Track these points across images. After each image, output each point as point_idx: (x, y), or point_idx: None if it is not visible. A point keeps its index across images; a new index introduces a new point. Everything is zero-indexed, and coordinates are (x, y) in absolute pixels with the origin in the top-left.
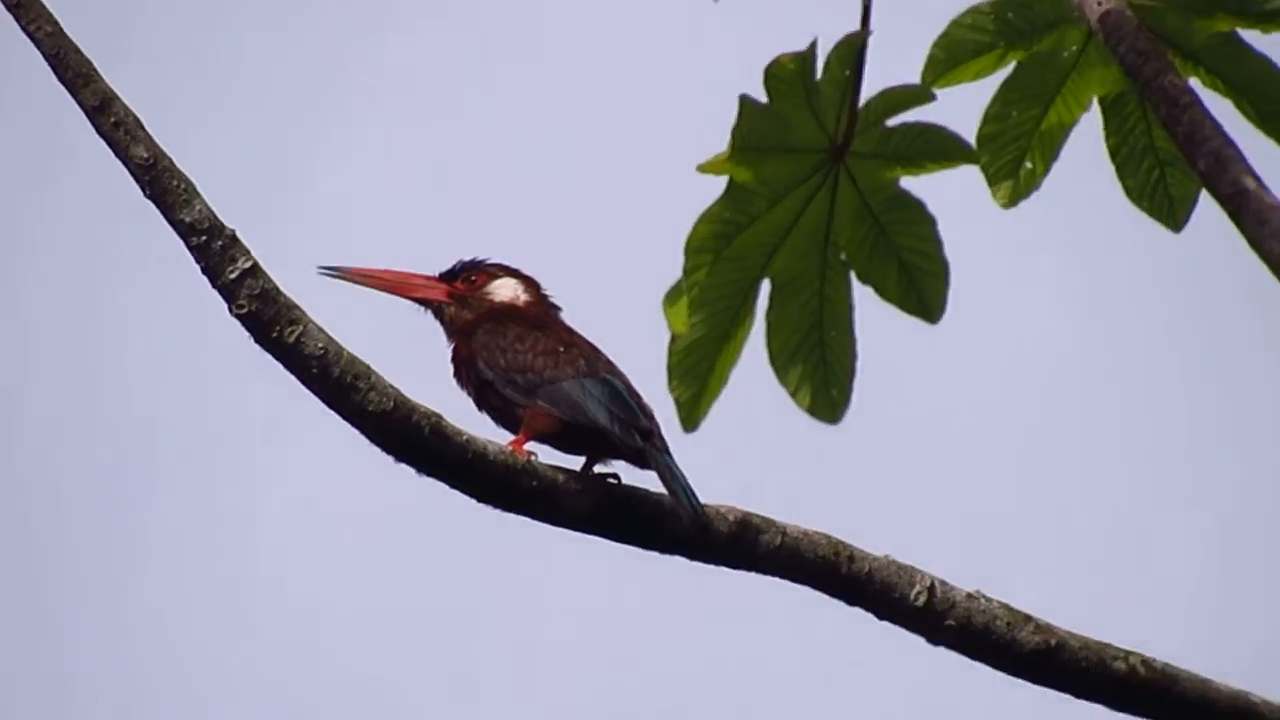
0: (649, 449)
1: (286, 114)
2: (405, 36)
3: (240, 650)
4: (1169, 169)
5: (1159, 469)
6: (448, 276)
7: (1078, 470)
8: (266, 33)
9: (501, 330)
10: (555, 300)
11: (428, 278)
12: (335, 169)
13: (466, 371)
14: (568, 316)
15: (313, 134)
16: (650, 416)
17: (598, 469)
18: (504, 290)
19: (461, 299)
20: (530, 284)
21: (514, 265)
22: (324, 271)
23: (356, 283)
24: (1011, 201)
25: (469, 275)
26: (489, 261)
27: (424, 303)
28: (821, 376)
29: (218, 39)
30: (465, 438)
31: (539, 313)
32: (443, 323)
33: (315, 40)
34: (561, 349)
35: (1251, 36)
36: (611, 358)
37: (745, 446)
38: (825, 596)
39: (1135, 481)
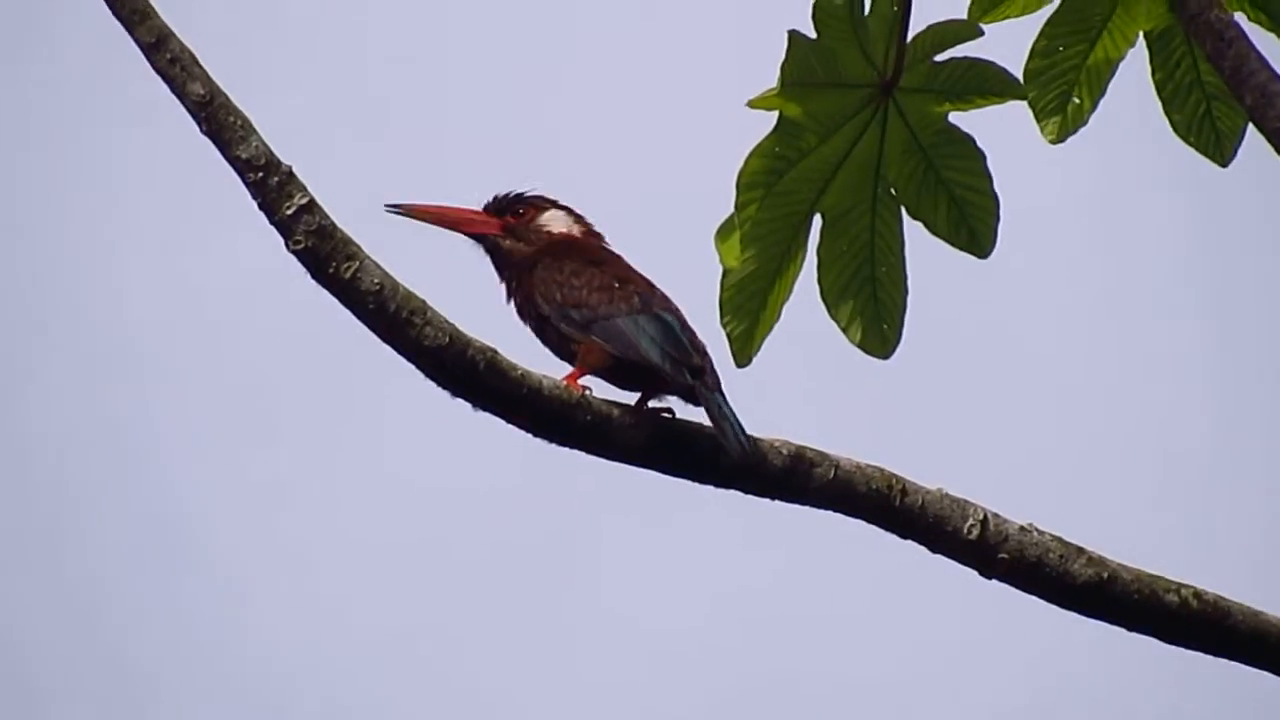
0: (699, 386)
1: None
2: None
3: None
4: (1215, 103)
5: (1209, 403)
6: (495, 210)
7: (1129, 405)
8: None
9: (559, 265)
10: (597, 229)
11: (477, 212)
12: (380, 101)
13: (527, 306)
14: (621, 250)
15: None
16: (703, 353)
17: (652, 404)
18: (557, 221)
19: (514, 231)
20: (576, 214)
21: (553, 196)
22: (390, 209)
23: (419, 219)
24: (1060, 137)
25: (517, 208)
26: (531, 193)
27: (479, 238)
28: (873, 312)
29: None
30: (520, 372)
31: (595, 246)
32: (497, 257)
33: None
34: (616, 285)
35: None
36: (667, 293)
37: (798, 381)
38: (878, 529)
39: (1187, 417)
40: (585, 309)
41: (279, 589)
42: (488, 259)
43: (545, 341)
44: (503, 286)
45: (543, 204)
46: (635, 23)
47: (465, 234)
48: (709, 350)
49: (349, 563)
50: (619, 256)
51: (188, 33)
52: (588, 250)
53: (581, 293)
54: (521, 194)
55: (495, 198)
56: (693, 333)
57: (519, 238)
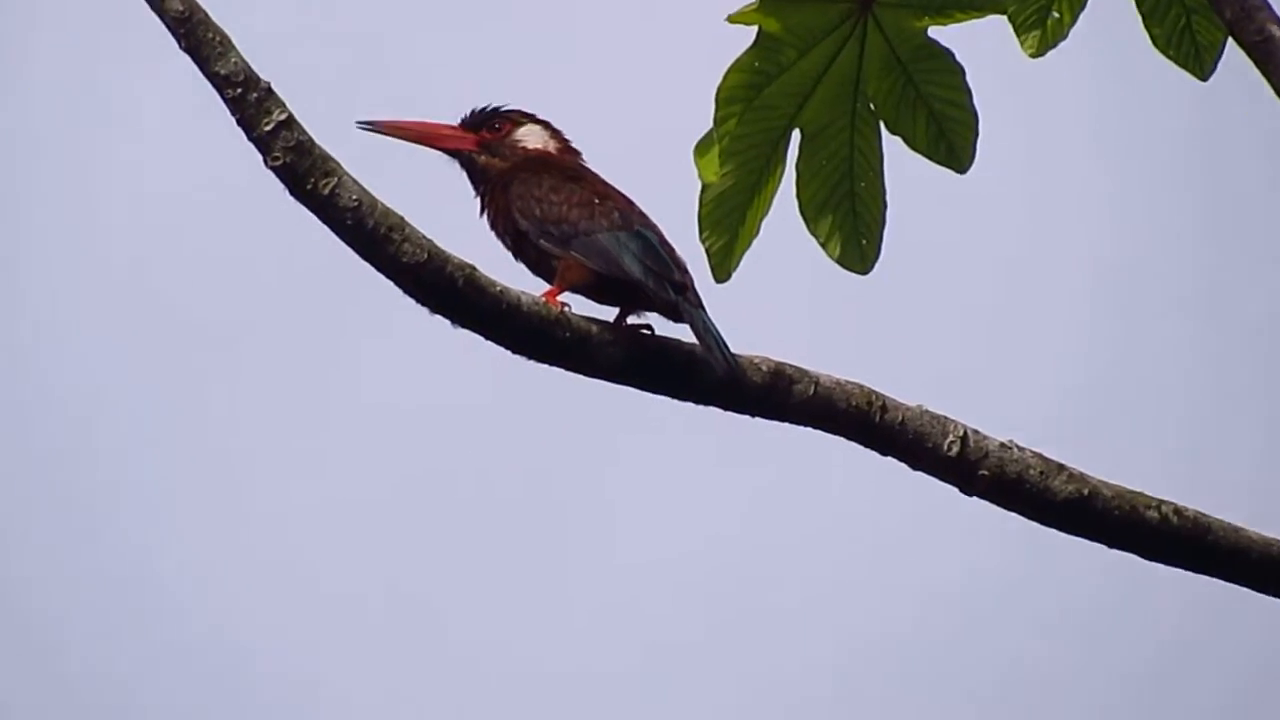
0: (682, 302)
1: None
2: None
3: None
4: (1195, 17)
5: (1179, 320)
6: (471, 125)
7: (1104, 320)
8: None
9: (537, 180)
10: (575, 145)
11: (452, 127)
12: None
13: (503, 222)
14: (600, 166)
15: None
16: (684, 270)
17: (631, 320)
18: (532, 137)
19: (490, 147)
20: (553, 129)
21: (530, 110)
22: (361, 126)
23: (391, 135)
24: (1039, 51)
25: (493, 123)
26: (507, 108)
27: (454, 153)
28: (851, 227)
29: None
30: (499, 289)
31: (572, 161)
32: (473, 172)
33: None
34: (596, 201)
35: None
36: (645, 210)
37: (777, 297)
38: (859, 446)
39: (1157, 332)
40: (565, 225)
41: (256, 523)
42: (464, 175)
43: (522, 258)
44: (478, 202)
45: (520, 118)
46: None
47: (440, 149)
48: (689, 267)
49: (329, 499)
50: (596, 173)
51: None
52: (565, 166)
53: (561, 208)
54: (498, 109)
55: (472, 112)
56: (673, 249)
57: (494, 153)
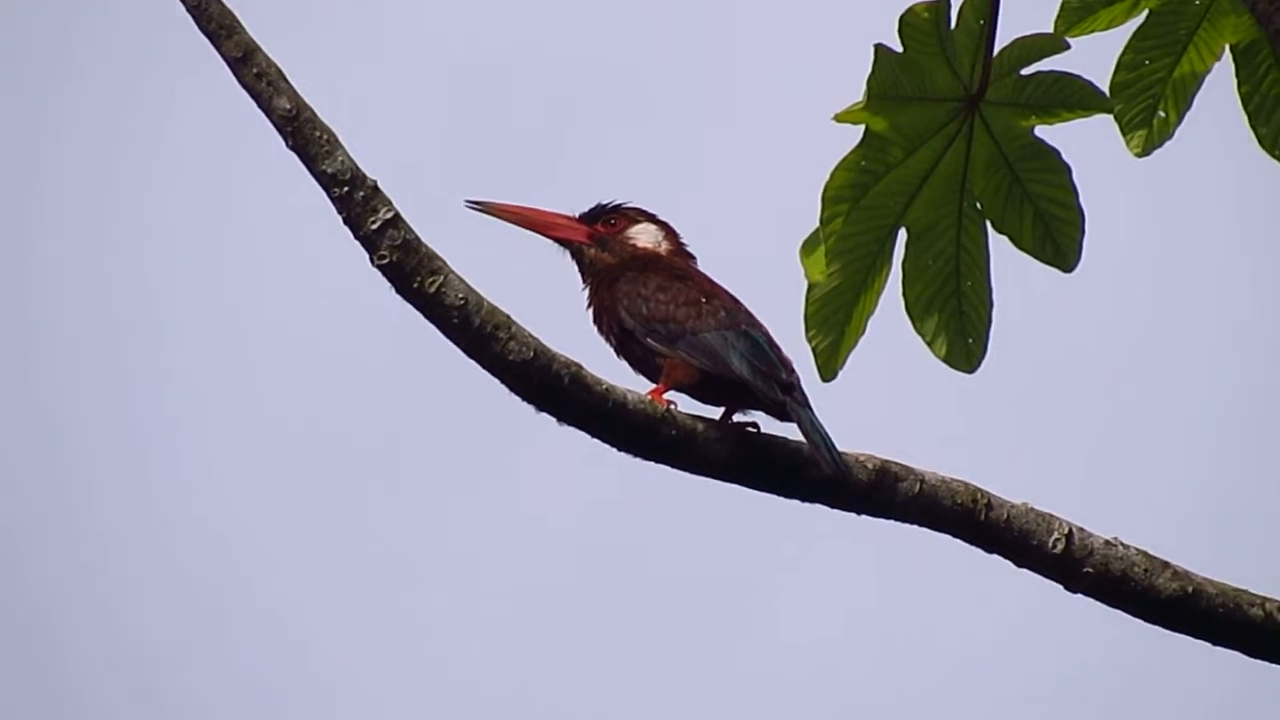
0: (790, 402)
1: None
2: None
3: None
4: None
5: None
6: (588, 218)
7: (1213, 419)
8: None
9: (644, 279)
10: (690, 248)
11: (568, 217)
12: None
13: (607, 319)
14: (707, 265)
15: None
16: (791, 370)
17: (736, 418)
18: (645, 235)
19: (602, 241)
20: (668, 230)
21: (651, 210)
22: (470, 205)
23: (500, 218)
24: (1145, 150)
25: (609, 218)
26: (628, 205)
27: (564, 243)
28: (958, 325)
29: None
30: (605, 387)
31: (680, 261)
32: (581, 264)
33: None
34: (704, 300)
35: None
36: (752, 310)
37: (883, 395)
38: (963, 543)
39: (1272, 431)
40: (672, 323)
41: (425, 626)
42: (575, 266)
43: (626, 355)
44: (585, 293)
45: (637, 216)
46: (725, 36)
47: (550, 238)
48: (796, 366)
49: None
50: (702, 273)
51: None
52: (672, 266)
53: (668, 307)
54: (619, 205)
55: (594, 205)
56: (780, 348)
57: (604, 247)
